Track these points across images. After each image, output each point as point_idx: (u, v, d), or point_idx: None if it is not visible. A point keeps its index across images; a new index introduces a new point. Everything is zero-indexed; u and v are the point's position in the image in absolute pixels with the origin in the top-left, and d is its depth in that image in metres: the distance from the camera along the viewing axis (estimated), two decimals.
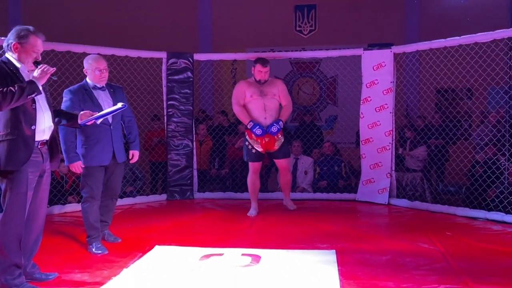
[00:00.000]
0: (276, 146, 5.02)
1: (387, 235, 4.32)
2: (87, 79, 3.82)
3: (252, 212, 5.13)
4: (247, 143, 5.06)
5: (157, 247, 3.79)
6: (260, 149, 5.01)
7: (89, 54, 5.20)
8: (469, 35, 5.01)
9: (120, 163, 3.88)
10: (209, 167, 6.76)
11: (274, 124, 4.95)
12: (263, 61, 5.05)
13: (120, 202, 5.63)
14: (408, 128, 6.52)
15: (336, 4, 8.62)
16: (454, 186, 6.01)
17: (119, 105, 3.43)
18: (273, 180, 6.64)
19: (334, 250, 3.70)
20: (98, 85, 3.79)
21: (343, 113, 7.61)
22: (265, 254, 3.59)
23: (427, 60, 5.83)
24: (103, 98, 3.79)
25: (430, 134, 6.24)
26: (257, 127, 4.92)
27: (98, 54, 4.25)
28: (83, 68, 3.85)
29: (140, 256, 3.58)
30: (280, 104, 5.12)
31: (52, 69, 2.85)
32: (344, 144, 7.65)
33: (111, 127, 3.74)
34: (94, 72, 3.76)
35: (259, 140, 4.98)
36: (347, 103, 7.25)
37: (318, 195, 6.09)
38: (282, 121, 5.01)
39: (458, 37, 5.12)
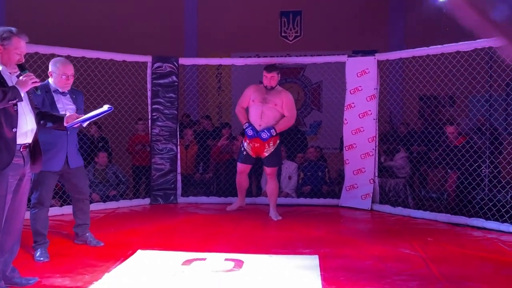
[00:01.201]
0: (266, 153, 5.12)
1: (370, 240, 4.36)
2: (50, 81, 3.74)
3: (232, 206, 5.41)
4: (241, 145, 5.29)
5: (139, 252, 3.76)
6: (250, 153, 5.16)
7: (73, 57, 5.23)
8: (451, 44, 5.11)
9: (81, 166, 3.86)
10: (194, 171, 6.75)
11: (265, 130, 5.04)
12: (267, 67, 5.23)
13: (102, 206, 5.60)
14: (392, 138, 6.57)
15: (321, 10, 8.71)
16: (436, 192, 6.09)
17: (106, 107, 3.40)
18: (257, 185, 6.65)
19: (317, 255, 3.72)
20: (60, 90, 3.73)
21: (327, 119, 7.68)
22: (248, 259, 3.60)
23: (410, 67, 5.92)
24: (63, 102, 3.71)
25: (413, 140, 6.32)
26: (250, 128, 5.08)
27: (67, 56, 4.18)
28: (49, 70, 3.76)
29: (122, 261, 3.54)
30: (283, 115, 5.13)
31: (37, 83, 2.84)
32: (328, 150, 7.70)
33: (68, 132, 3.65)
34: (60, 76, 3.69)
35: (251, 144, 5.12)
36: (331, 109, 7.32)
37: (302, 200, 6.11)
38: (275, 130, 5.06)
39: (440, 46, 5.22)
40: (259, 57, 7.55)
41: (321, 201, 6.06)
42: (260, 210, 5.57)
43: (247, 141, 5.16)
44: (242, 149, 5.25)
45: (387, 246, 4.06)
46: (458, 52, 5.13)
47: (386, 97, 6.81)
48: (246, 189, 5.52)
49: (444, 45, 5.19)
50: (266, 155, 5.12)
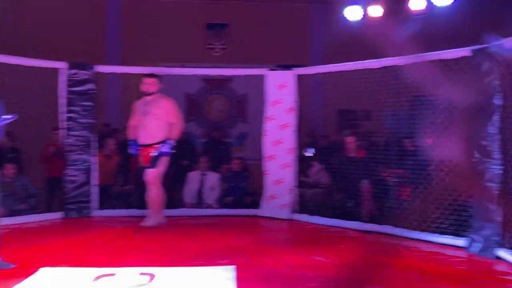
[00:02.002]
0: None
1: (286, 249, 4.45)
2: None
3: (150, 221, 5.20)
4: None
5: (42, 270, 3.52)
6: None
7: None
8: (362, 61, 5.41)
9: None
10: (115, 182, 6.49)
11: (162, 145, 5.08)
12: (146, 74, 5.29)
13: (7, 221, 5.18)
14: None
15: (247, 24, 8.86)
16: (351, 201, 6.34)
17: (8, 116, 3.22)
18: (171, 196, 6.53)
19: (234, 266, 3.71)
20: None
21: (253, 130, 7.77)
22: (161, 272, 3.50)
23: (329, 82, 6.16)
24: None
25: (332, 152, 6.54)
26: (131, 145, 5.21)
27: None
28: None
29: (21, 280, 3.29)
30: (170, 123, 5.15)
31: None
32: (254, 161, 7.78)
33: None
34: None
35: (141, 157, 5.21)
36: (256, 120, 7.41)
37: (224, 211, 6.11)
38: (172, 140, 5.11)
39: (353, 63, 5.50)
40: (185, 67, 7.48)
41: (243, 211, 6.10)
42: (178, 222, 5.47)
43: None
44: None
45: (302, 255, 4.17)
46: (370, 69, 5.42)
47: (307, 110, 7.03)
48: (163, 202, 5.34)
49: (357, 62, 5.47)
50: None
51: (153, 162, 5.09)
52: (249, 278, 3.47)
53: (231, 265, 3.73)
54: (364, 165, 5.58)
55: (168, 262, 3.82)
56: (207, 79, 8.97)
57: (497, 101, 4.29)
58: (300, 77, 6.05)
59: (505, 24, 4.61)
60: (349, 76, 5.67)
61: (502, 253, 4.10)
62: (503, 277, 3.71)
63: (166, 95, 5.38)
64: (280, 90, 5.93)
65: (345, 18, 7.52)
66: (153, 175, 5.11)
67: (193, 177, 6.43)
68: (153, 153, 5.07)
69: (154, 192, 5.15)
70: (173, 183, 6.45)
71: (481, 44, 4.43)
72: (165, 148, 5.07)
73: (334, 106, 6.68)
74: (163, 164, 5.15)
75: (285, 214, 5.84)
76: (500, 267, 3.94)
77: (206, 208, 6.23)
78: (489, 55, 4.32)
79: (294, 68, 6.02)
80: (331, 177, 6.36)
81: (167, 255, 4.08)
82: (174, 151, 5.22)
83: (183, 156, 6.60)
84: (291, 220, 5.80)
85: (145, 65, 6.79)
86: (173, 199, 6.40)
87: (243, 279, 3.42)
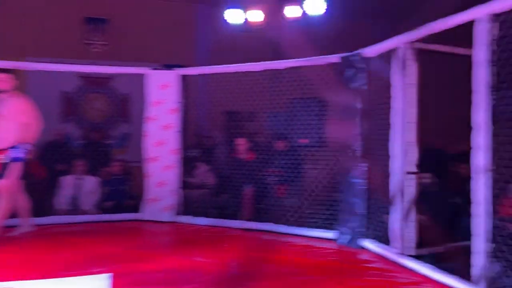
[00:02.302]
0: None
1: (167, 252, 4.38)
2: None
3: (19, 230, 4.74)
4: None
5: None
6: None
7: None
8: (245, 64, 5.56)
9: None
10: None
11: (13, 150, 4.50)
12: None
13: None
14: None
15: (129, 21, 8.52)
16: (235, 201, 6.46)
17: None
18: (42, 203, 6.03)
19: (110, 274, 3.54)
20: None
21: (136, 131, 7.48)
22: (26, 286, 3.20)
23: (215, 84, 6.19)
24: None
25: (221, 153, 6.60)
26: None
27: None
28: None
29: None
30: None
31: None
32: (136, 163, 7.51)
33: None
34: None
35: None
36: (140, 121, 7.16)
37: (103, 217, 5.81)
38: (27, 144, 4.56)
39: (236, 65, 5.63)
40: (59, 63, 6.93)
41: (124, 216, 5.85)
42: (49, 231, 5.09)
43: None
44: None
45: (183, 257, 4.13)
46: (250, 72, 5.58)
47: (193, 111, 7.00)
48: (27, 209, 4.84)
49: (240, 64, 5.61)
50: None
51: (3, 170, 4.48)
52: (125, 284, 3.33)
53: (107, 273, 3.56)
54: (251, 166, 5.72)
55: (34, 274, 3.49)
56: (85, 77, 8.43)
57: (361, 105, 4.72)
58: (184, 78, 5.99)
59: (369, 34, 5.12)
60: (234, 78, 5.78)
61: (366, 243, 4.53)
62: (366, 265, 4.09)
63: (22, 93, 4.83)
64: (162, 90, 5.82)
65: (226, 21, 7.66)
66: (3, 185, 4.50)
67: (67, 182, 6.00)
68: (3, 159, 4.49)
69: (6, 202, 4.54)
70: (45, 189, 5.97)
71: (348, 52, 4.85)
72: (17, 153, 4.49)
73: (221, 107, 6.74)
74: (15, 172, 4.52)
75: (168, 216, 5.73)
76: (364, 256, 4.34)
77: (83, 214, 5.85)
78: (353, 63, 4.74)
79: (177, 68, 5.94)
80: (218, 178, 6.43)
81: (33, 267, 3.73)
82: (29, 156, 4.66)
83: (57, 159, 6.14)
84: (174, 222, 5.72)
85: (11, 59, 6.15)
86: (44, 206, 5.92)
87: (119, 286, 3.29)
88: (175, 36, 8.69)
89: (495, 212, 3.12)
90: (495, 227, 3.10)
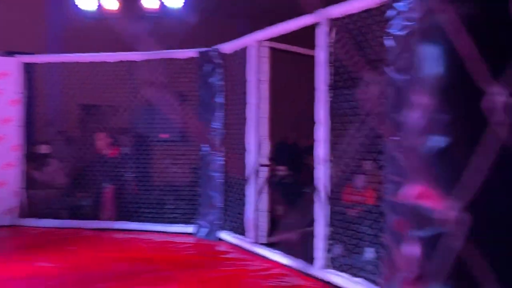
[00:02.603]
0: None
1: (4, 260, 3.90)
2: None
3: None
4: None
5: None
6: None
7: None
8: (98, 54, 5.22)
9: None
10: None
11: None
12: None
13: None
14: None
15: None
16: (89, 200, 6.05)
17: None
18: None
19: None
20: None
21: None
22: None
23: (68, 74, 5.68)
24: None
25: (77, 149, 6.04)
26: None
27: None
28: None
29: None
30: None
31: None
32: None
33: None
34: None
35: None
36: None
37: None
38: None
39: (88, 54, 5.27)
40: None
41: None
42: None
43: None
44: None
45: (23, 263, 3.74)
46: (106, 63, 5.26)
47: (44, 103, 6.34)
48: None
49: (93, 53, 5.25)
50: None
51: None
52: None
53: None
54: (113, 163, 5.39)
55: None
56: None
57: (219, 99, 4.80)
58: (28, 66, 5.39)
59: (232, 31, 5.20)
60: (88, 69, 5.38)
61: (223, 235, 4.63)
62: (222, 256, 4.18)
63: None
64: (0, 79, 5.15)
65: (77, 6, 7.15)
66: None
67: None
68: None
69: None
70: None
71: (207, 47, 4.88)
72: None
73: (76, 99, 6.21)
74: None
75: (8, 220, 5.12)
76: (221, 248, 4.43)
77: None
78: (211, 58, 4.80)
79: (19, 55, 5.33)
80: (73, 176, 5.93)
81: None
82: None
83: None
84: (18, 226, 5.14)
85: None
86: None
87: None
88: (22, 20, 7.76)
89: (337, 199, 3.44)
90: (333, 213, 3.42)
